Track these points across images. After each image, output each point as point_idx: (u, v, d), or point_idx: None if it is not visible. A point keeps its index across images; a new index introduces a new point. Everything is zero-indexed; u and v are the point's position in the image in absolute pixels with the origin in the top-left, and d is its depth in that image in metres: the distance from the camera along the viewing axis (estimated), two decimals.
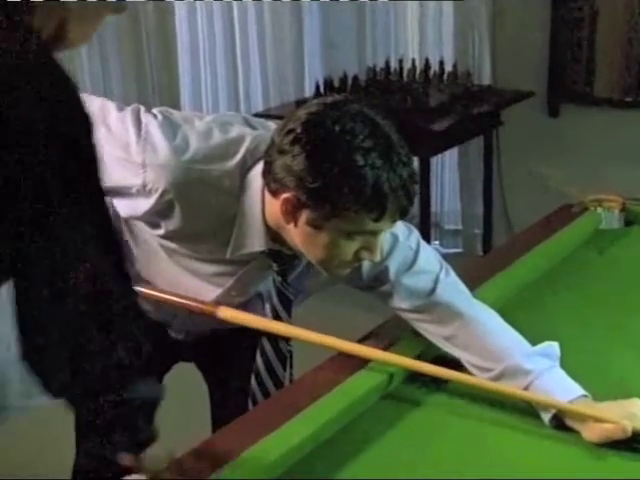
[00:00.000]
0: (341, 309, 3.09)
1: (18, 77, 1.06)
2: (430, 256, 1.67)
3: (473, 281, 1.79)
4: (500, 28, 4.09)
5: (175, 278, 1.69)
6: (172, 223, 1.57)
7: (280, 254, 1.62)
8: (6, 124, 1.04)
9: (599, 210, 2.36)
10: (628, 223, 2.37)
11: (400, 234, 1.63)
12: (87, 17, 1.16)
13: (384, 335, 1.71)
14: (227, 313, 1.67)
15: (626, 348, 1.75)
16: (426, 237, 3.53)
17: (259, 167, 1.53)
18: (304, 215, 1.47)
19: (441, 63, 3.85)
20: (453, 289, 1.64)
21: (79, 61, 3.22)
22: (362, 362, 1.61)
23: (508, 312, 1.69)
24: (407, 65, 3.87)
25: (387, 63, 3.89)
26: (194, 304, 1.69)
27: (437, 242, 4.37)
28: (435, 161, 4.15)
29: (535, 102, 3.98)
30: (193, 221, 1.57)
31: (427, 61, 3.85)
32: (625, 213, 2.37)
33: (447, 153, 4.21)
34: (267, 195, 1.52)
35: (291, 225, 1.50)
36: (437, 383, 1.60)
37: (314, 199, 1.44)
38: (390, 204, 1.43)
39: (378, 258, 1.53)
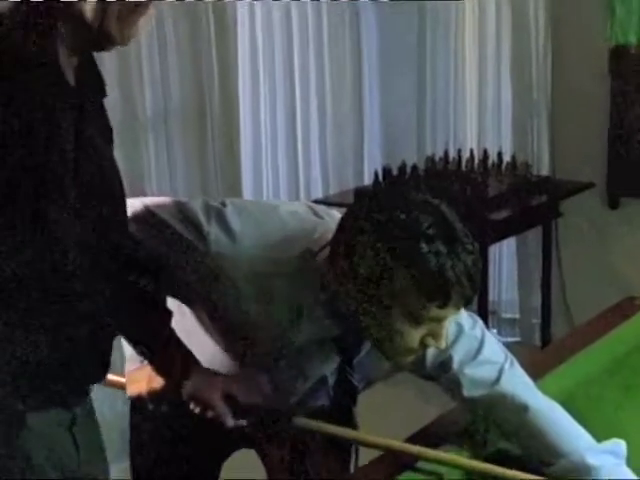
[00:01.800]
0: (404, 397, 3.06)
1: None
2: (495, 347, 1.67)
3: (533, 373, 1.78)
4: (559, 119, 4.12)
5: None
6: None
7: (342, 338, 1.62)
8: None
9: None
10: None
11: (465, 324, 1.63)
12: (124, 17, 1.18)
13: (440, 430, 1.70)
14: None
15: None
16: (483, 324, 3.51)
17: (325, 253, 1.55)
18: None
19: (499, 154, 3.89)
20: (518, 380, 1.64)
21: (145, 150, 3.31)
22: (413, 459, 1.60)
23: (570, 407, 1.67)
24: (466, 155, 3.91)
25: (446, 153, 3.93)
26: None
27: (495, 330, 4.33)
28: (493, 250, 4.15)
29: (595, 193, 3.98)
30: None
31: (485, 151, 3.89)
32: None
33: (505, 242, 4.21)
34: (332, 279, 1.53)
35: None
36: None
37: (378, 288, 1.45)
38: (454, 292, 1.44)
39: (443, 345, 1.53)
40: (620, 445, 1.56)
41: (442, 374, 1.64)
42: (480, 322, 1.69)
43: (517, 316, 4.41)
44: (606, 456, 1.53)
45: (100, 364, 1.25)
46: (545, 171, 4.09)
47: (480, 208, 3.56)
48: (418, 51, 4.31)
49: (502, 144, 4.11)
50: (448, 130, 4.36)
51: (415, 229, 1.44)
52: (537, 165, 4.06)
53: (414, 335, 1.49)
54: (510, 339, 4.32)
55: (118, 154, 3.22)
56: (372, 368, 1.72)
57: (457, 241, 1.47)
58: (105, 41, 1.19)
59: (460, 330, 1.63)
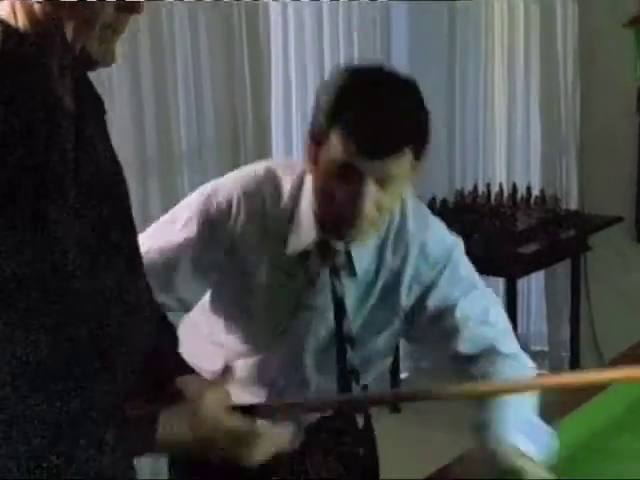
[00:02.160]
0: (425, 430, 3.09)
1: None
2: (501, 312, 1.79)
3: (562, 407, 1.79)
4: (588, 154, 4.16)
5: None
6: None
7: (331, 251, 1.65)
8: None
9: None
10: None
11: (479, 284, 1.76)
12: (105, 35, 1.18)
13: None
14: None
15: None
16: None
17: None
18: (321, 153, 1.55)
19: (528, 188, 3.92)
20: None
21: (181, 183, 3.36)
22: None
23: (597, 444, 1.67)
24: (495, 189, 3.95)
25: (475, 187, 3.98)
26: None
27: None
28: (522, 283, 4.17)
29: (623, 227, 4.00)
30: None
31: (514, 185, 3.93)
32: None
33: (534, 275, 4.23)
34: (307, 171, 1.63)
35: (316, 171, 1.58)
36: None
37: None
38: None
39: (375, 207, 1.54)
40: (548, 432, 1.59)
41: (438, 323, 1.68)
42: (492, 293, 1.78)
43: (546, 349, 4.42)
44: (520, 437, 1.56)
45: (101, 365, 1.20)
46: (574, 205, 4.12)
47: (509, 242, 3.60)
48: (448, 83, 4.37)
49: (531, 178, 4.14)
50: (477, 164, 4.41)
51: None
52: (566, 199, 4.09)
53: (340, 189, 1.54)
54: (539, 372, 4.32)
55: (155, 187, 3.22)
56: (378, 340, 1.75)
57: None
58: (87, 62, 1.20)
59: (473, 286, 1.70)
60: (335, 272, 1.67)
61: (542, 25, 4.16)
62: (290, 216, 1.64)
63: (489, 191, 3.94)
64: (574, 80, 4.13)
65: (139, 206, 2.91)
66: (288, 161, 1.71)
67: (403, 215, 1.70)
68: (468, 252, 1.82)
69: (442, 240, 1.73)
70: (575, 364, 4.09)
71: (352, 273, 1.67)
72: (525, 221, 3.73)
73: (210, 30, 3.33)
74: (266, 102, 3.54)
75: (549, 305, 4.36)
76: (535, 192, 3.92)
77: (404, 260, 1.69)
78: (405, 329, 1.76)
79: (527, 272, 3.94)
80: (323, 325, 1.71)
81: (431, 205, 3.84)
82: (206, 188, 1.72)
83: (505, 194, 3.92)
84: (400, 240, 1.69)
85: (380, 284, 1.71)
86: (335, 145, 1.52)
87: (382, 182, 1.53)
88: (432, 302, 1.70)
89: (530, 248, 3.61)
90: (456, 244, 1.75)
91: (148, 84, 3.18)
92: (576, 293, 4.06)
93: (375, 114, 1.50)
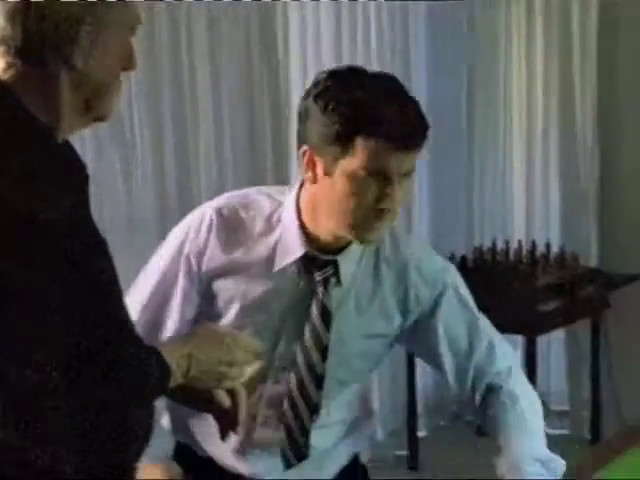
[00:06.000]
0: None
1: None
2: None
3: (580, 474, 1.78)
4: (608, 211, 4.15)
5: None
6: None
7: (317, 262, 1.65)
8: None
9: None
10: None
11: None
12: (108, 89, 1.23)
13: None
14: None
15: None
16: None
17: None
18: (319, 164, 1.56)
19: (548, 245, 3.90)
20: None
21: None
22: None
23: None
24: (513, 246, 3.94)
25: (494, 243, 3.96)
26: None
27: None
28: (541, 340, 4.13)
29: None
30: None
31: (534, 243, 3.91)
32: None
33: (554, 333, 4.19)
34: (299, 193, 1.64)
35: (314, 185, 1.58)
36: None
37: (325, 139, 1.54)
38: (383, 121, 1.51)
39: (397, 206, 1.57)
40: (557, 461, 1.63)
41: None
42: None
43: (567, 408, 4.36)
44: (537, 465, 1.59)
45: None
46: (594, 262, 4.10)
47: (528, 299, 3.58)
48: (468, 145, 4.40)
49: (550, 235, 4.13)
50: (495, 221, 4.40)
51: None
52: (586, 256, 4.06)
53: (366, 192, 1.54)
54: (559, 431, 4.26)
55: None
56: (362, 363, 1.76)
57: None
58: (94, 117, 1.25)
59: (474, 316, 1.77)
60: (323, 283, 1.68)
61: (560, 79, 4.18)
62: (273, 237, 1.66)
63: (508, 248, 3.93)
64: (593, 135, 4.14)
65: None
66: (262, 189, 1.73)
67: (393, 236, 1.72)
68: (488, 309, 1.82)
69: (435, 261, 1.76)
70: (596, 424, 4.03)
71: (338, 282, 1.68)
72: (545, 278, 3.70)
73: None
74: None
75: (570, 364, 4.31)
76: (555, 249, 3.90)
77: (402, 280, 1.71)
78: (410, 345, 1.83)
79: (546, 330, 3.90)
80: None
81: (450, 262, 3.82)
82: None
83: (524, 251, 3.90)
84: (396, 260, 1.71)
85: (377, 302, 1.71)
86: (364, 151, 1.52)
87: (403, 176, 1.56)
88: (437, 322, 1.73)
89: (550, 306, 3.59)
90: (449, 265, 1.78)
91: (169, 134, 3.25)
92: (596, 351, 4.02)
93: (397, 110, 1.52)
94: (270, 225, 1.66)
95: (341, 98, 1.52)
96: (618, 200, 4.13)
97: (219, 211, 1.67)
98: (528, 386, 1.78)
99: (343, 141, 1.53)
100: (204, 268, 1.66)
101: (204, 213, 1.69)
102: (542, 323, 3.70)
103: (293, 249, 1.64)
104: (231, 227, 1.66)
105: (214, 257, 1.66)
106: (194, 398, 1.42)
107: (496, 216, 4.41)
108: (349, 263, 1.67)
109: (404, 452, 3.98)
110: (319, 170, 1.57)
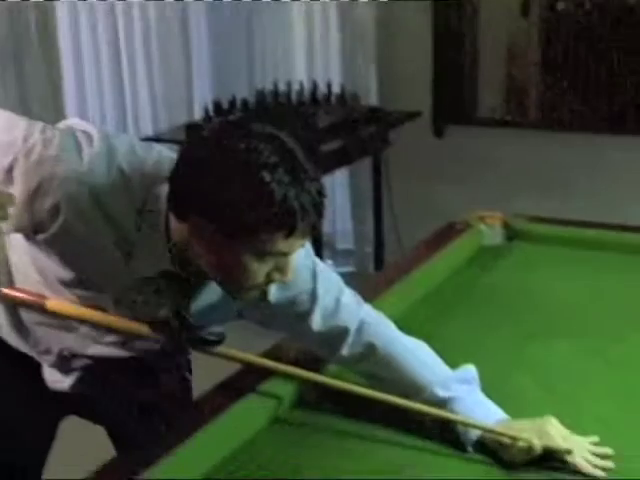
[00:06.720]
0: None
1: None
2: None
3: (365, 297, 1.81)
4: (386, 50, 4.18)
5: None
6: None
7: (177, 276, 1.56)
8: None
9: (482, 227, 2.43)
10: (510, 239, 2.45)
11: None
12: None
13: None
14: (57, 306, 1.63)
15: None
16: (318, 257, 3.55)
17: (164, 188, 1.47)
18: (213, 238, 1.41)
19: (329, 85, 3.91)
20: (377, 322, 1.68)
21: None
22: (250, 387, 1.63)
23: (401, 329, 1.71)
24: (295, 87, 3.91)
25: (275, 86, 3.92)
26: (22, 295, 1.64)
27: (330, 262, 4.40)
28: (326, 181, 4.19)
29: (421, 123, 4.08)
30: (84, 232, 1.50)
31: (315, 83, 3.90)
32: (506, 229, 2.45)
33: (337, 173, 4.26)
34: (172, 218, 1.47)
35: (201, 248, 1.44)
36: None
37: (222, 220, 1.39)
38: (300, 221, 1.39)
39: (290, 278, 1.50)
40: (469, 371, 1.61)
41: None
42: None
43: (352, 247, 4.50)
44: (457, 385, 1.58)
45: None
46: (374, 102, 4.15)
47: (310, 140, 3.58)
48: None
49: (331, 76, 4.13)
50: (277, 63, 4.34)
51: (255, 159, 1.37)
52: (366, 96, 4.11)
53: (260, 270, 1.44)
54: (345, 269, 4.40)
55: None
56: (218, 311, 1.66)
57: (300, 169, 1.40)
58: None
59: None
60: None
61: None
62: None
63: (289, 90, 3.90)
64: None
65: None
66: None
67: None
68: None
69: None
70: (379, 259, 4.19)
71: None
72: (326, 119, 3.72)
73: None
74: None
75: (353, 203, 4.42)
76: (335, 90, 3.92)
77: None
78: None
79: (329, 170, 3.95)
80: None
81: (232, 106, 3.75)
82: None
83: (305, 92, 3.89)
84: None
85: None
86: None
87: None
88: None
89: (332, 145, 3.61)
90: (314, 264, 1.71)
91: None
92: (378, 189, 4.13)
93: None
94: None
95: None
96: (396, 40, 4.15)
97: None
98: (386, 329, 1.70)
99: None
100: None
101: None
102: (325, 164, 3.72)
103: (154, 262, 1.55)
104: None
105: None
106: None
107: (277, 58, 4.34)
108: None
109: None
110: (212, 240, 1.43)
